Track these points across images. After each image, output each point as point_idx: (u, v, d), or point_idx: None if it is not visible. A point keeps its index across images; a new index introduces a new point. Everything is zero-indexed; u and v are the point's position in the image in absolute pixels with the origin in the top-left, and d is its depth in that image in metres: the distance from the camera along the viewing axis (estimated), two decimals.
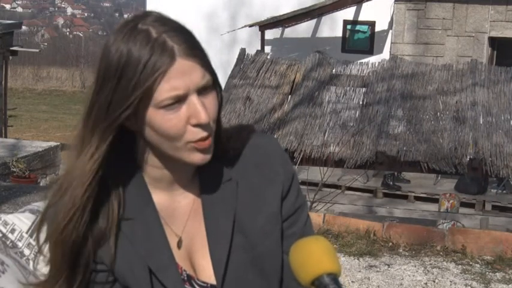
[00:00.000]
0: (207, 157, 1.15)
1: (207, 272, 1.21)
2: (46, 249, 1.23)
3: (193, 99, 1.10)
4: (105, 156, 1.13)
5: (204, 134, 1.12)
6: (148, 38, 1.08)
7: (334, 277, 1.01)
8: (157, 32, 1.09)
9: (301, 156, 7.32)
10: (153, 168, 1.19)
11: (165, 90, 1.08)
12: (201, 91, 1.11)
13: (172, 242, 1.21)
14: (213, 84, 1.14)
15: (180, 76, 1.08)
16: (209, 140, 1.14)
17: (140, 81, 1.08)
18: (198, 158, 1.14)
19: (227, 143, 1.22)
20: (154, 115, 1.10)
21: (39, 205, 1.56)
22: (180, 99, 1.09)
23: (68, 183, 1.15)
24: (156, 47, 1.08)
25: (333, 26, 12.56)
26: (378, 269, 4.57)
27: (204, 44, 1.16)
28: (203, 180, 1.23)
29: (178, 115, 1.10)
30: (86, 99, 1.15)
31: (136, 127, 1.14)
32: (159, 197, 1.22)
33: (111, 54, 1.10)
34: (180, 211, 1.23)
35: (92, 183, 1.14)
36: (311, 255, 1.03)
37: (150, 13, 1.13)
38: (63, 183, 1.16)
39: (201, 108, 1.10)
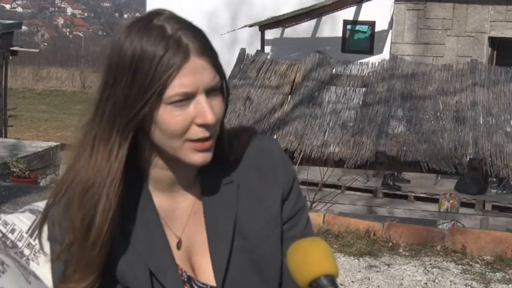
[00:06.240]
0: (207, 157, 1.15)
1: (206, 273, 1.21)
2: (47, 248, 1.23)
3: (201, 99, 1.10)
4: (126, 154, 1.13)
5: (206, 134, 1.12)
6: (164, 33, 1.09)
7: (332, 278, 1.01)
8: (173, 29, 1.10)
9: (301, 156, 7.32)
10: (156, 170, 1.19)
11: (176, 86, 1.08)
12: (210, 92, 1.12)
13: (172, 243, 1.21)
14: (221, 88, 1.15)
15: (191, 74, 1.09)
16: (209, 142, 1.14)
17: (156, 76, 1.08)
18: (198, 157, 1.14)
19: (228, 148, 1.22)
20: (162, 111, 1.10)
21: (39, 205, 1.56)
22: (188, 97, 1.10)
23: (95, 183, 1.12)
24: (172, 43, 1.08)
25: (333, 26, 12.55)
26: (378, 269, 4.57)
27: None
28: (204, 182, 1.22)
29: (185, 113, 1.10)
30: (94, 95, 1.14)
31: (143, 125, 1.13)
32: (159, 198, 1.21)
33: (125, 47, 1.10)
34: (180, 212, 1.22)
35: (120, 183, 1.13)
36: (308, 257, 1.03)
37: (163, 11, 1.13)
38: (86, 183, 1.13)
39: (208, 109, 1.10)
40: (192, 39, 1.10)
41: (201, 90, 1.10)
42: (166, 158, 1.17)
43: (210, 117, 1.10)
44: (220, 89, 1.15)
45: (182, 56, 1.08)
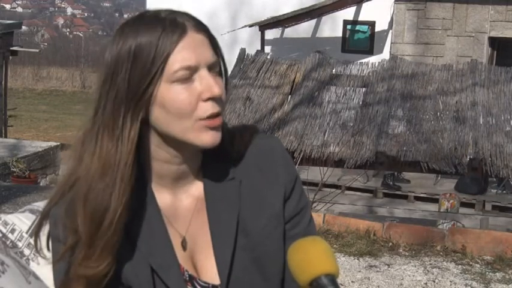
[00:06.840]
0: (216, 137, 1.14)
1: (209, 272, 1.20)
2: (46, 248, 1.22)
3: (204, 73, 1.12)
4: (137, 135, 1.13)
5: (215, 109, 1.12)
6: (158, 18, 1.12)
7: (332, 278, 1.01)
8: (166, 14, 1.13)
9: (301, 156, 7.32)
10: (159, 163, 1.18)
11: (178, 60, 1.10)
12: (211, 69, 1.13)
13: (176, 242, 1.20)
14: (220, 71, 1.16)
15: (192, 48, 1.11)
16: (219, 119, 1.14)
17: (156, 55, 1.09)
18: (208, 137, 1.13)
19: (230, 145, 1.22)
20: (167, 90, 1.10)
21: (39, 205, 1.55)
22: (191, 72, 1.11)
23: (107, 166, 1.11)
24: (168, 23, 1.11)
25: (333, 26, 12.56)
26: (378, 269, 4.57)
27: None
28: (207, 178, 1.22)
29: (191, 89, 1.11)
30: (94, 95, 1.14)
31: (148, 111, 1.12)
32: (162, 196, 1.21)
33: (123, 39, 1.11)
34: (183, 210, 1.22)
35: (133, 166, 1.13)
36: (309, 256, 1.03)
37: (153, 10, 1.16)
38: (97, 168, 1.12)
39: (213, 82, 1.11)
40: (187, 19, 1.13)
41: (203, 65, 1.11)
42: (172, 147, 1.16)
43: (216, 90, 1.11)
44: (219, 72, 1.16)
45: (179, 32, 1.10)
